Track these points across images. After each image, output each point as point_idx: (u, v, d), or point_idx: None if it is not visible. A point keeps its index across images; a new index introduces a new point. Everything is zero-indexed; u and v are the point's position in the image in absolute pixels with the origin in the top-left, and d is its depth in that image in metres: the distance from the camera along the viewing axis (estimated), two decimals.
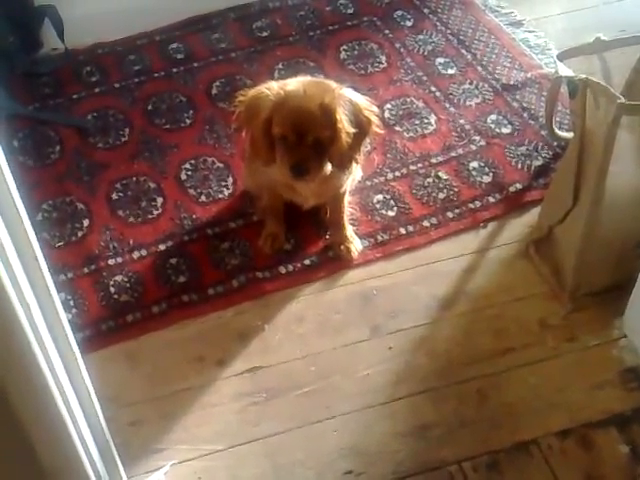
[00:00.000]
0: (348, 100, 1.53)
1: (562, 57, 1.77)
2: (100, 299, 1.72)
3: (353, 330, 1.63)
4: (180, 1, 2.46)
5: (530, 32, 2.38)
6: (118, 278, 1.76)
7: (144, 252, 1.82)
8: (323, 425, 1.48)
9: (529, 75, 2.21)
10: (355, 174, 1.74)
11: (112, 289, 1.74)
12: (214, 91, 2.23)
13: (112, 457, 1.30)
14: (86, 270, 1.78)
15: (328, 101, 1.50)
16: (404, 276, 1.73)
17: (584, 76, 1.52)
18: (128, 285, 1.75)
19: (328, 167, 1.57)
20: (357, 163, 1.60)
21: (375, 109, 1.59)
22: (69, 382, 1.14)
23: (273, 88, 1.53)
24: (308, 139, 1.49)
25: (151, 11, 2.41)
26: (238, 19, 2.49)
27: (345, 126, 1.50)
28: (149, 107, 2.19)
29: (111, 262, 1.80)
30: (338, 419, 1.49)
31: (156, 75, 2.30)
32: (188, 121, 2.15)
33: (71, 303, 1.71)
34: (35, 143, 2.10)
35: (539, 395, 1.51)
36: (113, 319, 1.68)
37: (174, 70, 2.31)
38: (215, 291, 1.73)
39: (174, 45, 2.39)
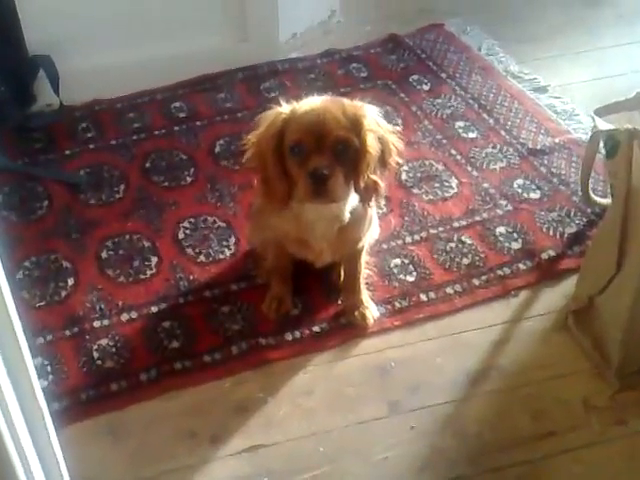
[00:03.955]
0: (373, 116, 1.42)
1: (600, 113, 1.70)
2: (81, 365, 1.59)
3: (369, 406, 1.50)
4: (185, 61, 2.44)
5: (556, 98, 2.35)
6: (103, 342, 1.63)
7: (134, 314, 1.69)
8: None
9: (557, 140, 2.15)
10: (373, 230, 1.63)
11: (95, 354, 1.61)
12: (217, 149, 2.18)
13: None
14: (68, 333, 1.66)
15: (351, 107, 1.38)
16: (426, 347, 1.60)
17: (630, 126, 1.44)
18: (114, 350, 1.62)
19: (351, 191, 1.43)
20: (379, 194, 1.45)
21: (399, 130, 1.47)
22: (37, 459, 1.03)
23: (285, 106, 1.43)
24: (328, 142, 1.34)
25: (154, 69, 2.40)
26: (245, 79, 2.46)
27: (374, 129, 1.38)
28: (147, 164, 2.13)
29: (96, 324, 1.67)
30: None
31: (156, 133, 2.26)
32: (189, 179, 2.08)
33: (48, 369, 1.58)
34: (21, 198, 2.03)
35: None
36: (95, 387, 1.55)
37: (175, 128, 2.27)
38: (212, 358, 1.60)
39: (177, 104, 2.36)
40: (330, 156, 1.35)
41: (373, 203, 1.48)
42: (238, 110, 2.33)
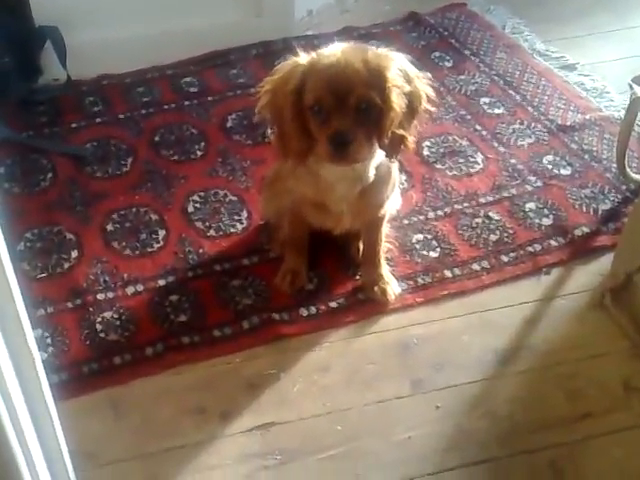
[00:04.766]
0: (398, 63, 1.32)
1: (638, 82, 1.62)
2: (84, 337, 1.51)
3: (390, 384, 1.40)
4: (197, 36, 2.36)
5: (585, 76, 2.26)
6: (107, 314, 1.55)
7: (140, 287, 1.61)
8: None
9: (588, 117, 2.06)
10: (394, 198, 1.55)
11: (99, 326, 1.53)
12: (229, 124, 2.10)
13: None
14: (70, 305, 1.58)
15: (373, 58, 1.27)
16: (452, 324, 1.51)
17: None
18: (118, 323, 1.53)
19: (375, 148, 1.34)
20: (407, 147, 1.35)
21: (429, 76, 1.36)
22: (35, 433, 0.99)
23: (304, 56, 1.33)
24: (350, 101, 1.24)
25: (164, 44, 2.31)
26: (259, 55, 2.38)
27: (399, 84, 1.28)
28: (156, 138, 2.05)
29: (100, 297, 1.59)
30: None
31: (166, 107, 2.18)
32: (199, 153, 2.00)
33: (48, 341, 1.50)
34: (24, 170, 1.95)
35: (626, 470, 1.27)
36: (97, 361, 1.47)
37: (186, 103, 2.19)
38: (222, 333, 1.51)
39: (187, 79, 2.29)
40: (352, 116, 1.26)
41: (397, 160, 1.38)
42: (251, 85, 2.21)
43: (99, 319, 1.54)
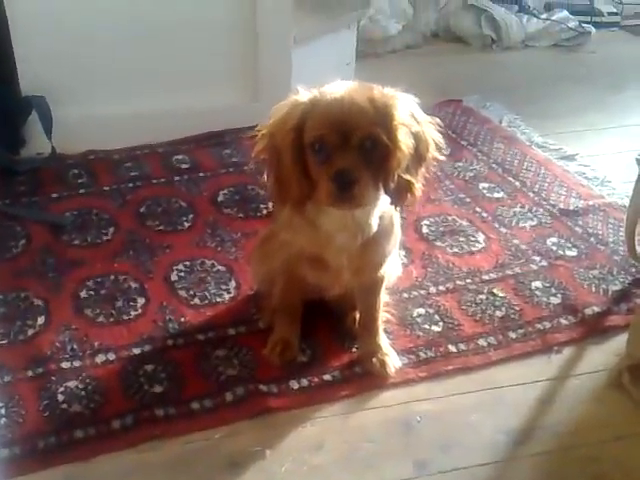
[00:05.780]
0: (406, 103, 1.22)
1: None
2: (42, 408, 1.33)
3: (391, 465, 1.23)
4: (191, 117, 2.30)
5: (585, 166, 2.20)
6: (71, 384, 1.38)
7: (111, 356, 1.45)
8: None
9: (591, 203, 1.98)
10: (394, 264, 1.43)
11: (60, 397, 1.36)
12: (220, 198, 2.00)
13: None
14: (30, 373, 1.41)
15: (380, 96, 1.18)
16: (458, 402, 1.35)
17: None
18: (83, 393, 1.36)
19: (380, 193, 1.23)
20: (413, 194, 1.23)
21: (438, 121, 1.26)
22: None
23: (304, 94, 1.22)
24: (354, 138, 1.14)
25: (157, 124, 2.25)
26: (255, 136, 2.29)
27: (407, 123, 1.18)
28: (141, 209, 1.95)
29: (65, 365, 1.43)
30: None
31: (154, 181, 2.09)
32: (187, 224, 1.89)
33: (2, 412, 1.32)
34: None
35: None
36: (56, 434, 1.29)
37: (176, 178, 2.11)
38: (201, 405, 1.34)
39: (179, 156, 2.22)
40: (356, 155, 1.16)
41: (401, 210, 1.27)
42: (244, 164, 2.15)
43: (62, 389, 1.37)
